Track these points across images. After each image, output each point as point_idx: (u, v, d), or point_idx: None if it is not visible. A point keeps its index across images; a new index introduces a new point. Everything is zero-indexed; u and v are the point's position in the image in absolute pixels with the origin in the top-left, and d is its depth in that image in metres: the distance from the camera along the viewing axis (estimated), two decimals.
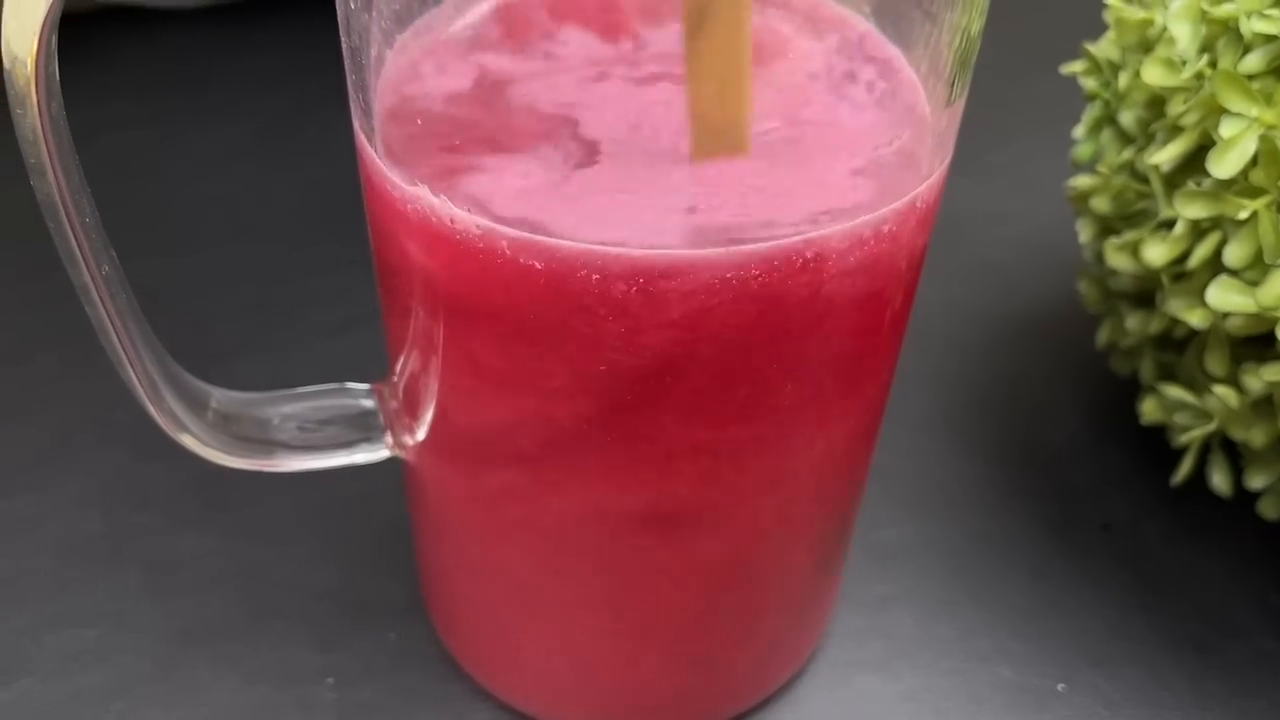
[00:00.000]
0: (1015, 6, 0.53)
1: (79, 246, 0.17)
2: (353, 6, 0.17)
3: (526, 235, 0.16)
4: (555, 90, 0.18)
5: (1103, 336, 0.32)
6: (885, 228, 0.18)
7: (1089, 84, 0.30)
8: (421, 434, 0.22)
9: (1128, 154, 0.28)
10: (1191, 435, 0.28)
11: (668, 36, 0.19)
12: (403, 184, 0.17)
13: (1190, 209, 0.25)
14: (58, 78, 0.16)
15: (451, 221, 0.17)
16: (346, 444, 0.23)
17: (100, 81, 0.46)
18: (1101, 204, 0.29)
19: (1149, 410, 0.29)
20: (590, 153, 0.17)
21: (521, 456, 0.20)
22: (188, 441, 0.20)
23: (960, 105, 0.20)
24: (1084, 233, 0.30)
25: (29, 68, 0.15)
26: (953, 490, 0.31)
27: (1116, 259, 0.28)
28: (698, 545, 0.22)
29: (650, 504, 0.21)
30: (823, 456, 0.22)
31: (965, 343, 0.36)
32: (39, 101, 0.16)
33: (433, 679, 0.26)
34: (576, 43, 0.19)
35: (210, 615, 0.27)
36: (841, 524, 0.25)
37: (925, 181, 0.19)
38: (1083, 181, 0.30)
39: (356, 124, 0.18)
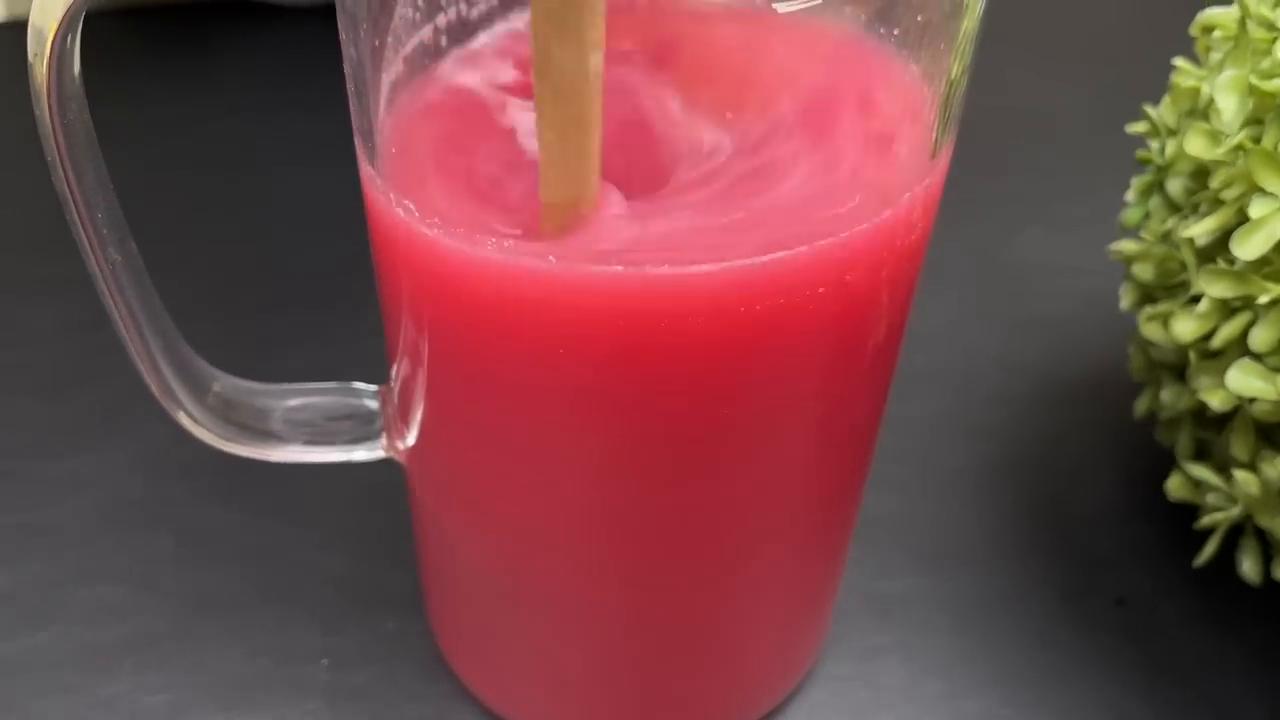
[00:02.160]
0: (1112, 55, 0.52)
1: (86, 238, 0.19)
2: (355, 31, 0.18)
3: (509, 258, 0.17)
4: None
5: (1141, 406, 0.31)
6: (856, 265, 0.18)
7: (1143, 148, 0.29)
8: (411, 439, 0.23)
9: (1171, 223, 0.27)
10: (1214, 518, 0.27)
11: (671, 65, 0.19)
12: (392, 200, 0.18)
13: (1215, 287, 0.24)
14: (77, 80, 0.18)
15: (430, 239, 0.18)
16: (347, 441, 0.24)
17: (212, 72, 0.49)
18: (1144, 271, 0.28)
19: (1175, 487, 0.28)
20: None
21: (503, 469, 0.21)
22: (184, 420, 0.22)
23: (945, 158, 0.20)
24: (1125, 299, 0.30)
25: (44, 67, 0.17)
26: (968, 544, 0.31)
27: (1149, 329, 0.27)
28: (672, 568, 0.22)
29: (623, 526, 0.21)
30: (795, 491, 0.22)
31: (1009, 395, 0.35)
32: (51, 103, 0.17)
33: (422, 673, 0.27)
34: None
35: (226, 587, 0.29)
36: (821, 562, 0.25)
37: (902, 221, 0.19)
38: (1127, 246, 0.29)
39: (357, 143, 0.19)
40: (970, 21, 0.18)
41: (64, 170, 0.18)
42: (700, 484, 0.21)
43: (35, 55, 0.17)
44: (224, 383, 0.22)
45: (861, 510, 0.31)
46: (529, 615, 0.24)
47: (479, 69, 0.19)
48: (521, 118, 0.19)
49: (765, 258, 0.17)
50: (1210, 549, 0.28)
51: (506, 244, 0.17)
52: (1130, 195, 0.30)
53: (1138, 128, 0.30)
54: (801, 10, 0.17)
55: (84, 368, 0.35)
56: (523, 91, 0.19)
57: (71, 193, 0.18)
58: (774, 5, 0.17)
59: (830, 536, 0.25)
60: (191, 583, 0.29)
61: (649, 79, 0.19)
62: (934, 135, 0.20)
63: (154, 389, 0.21)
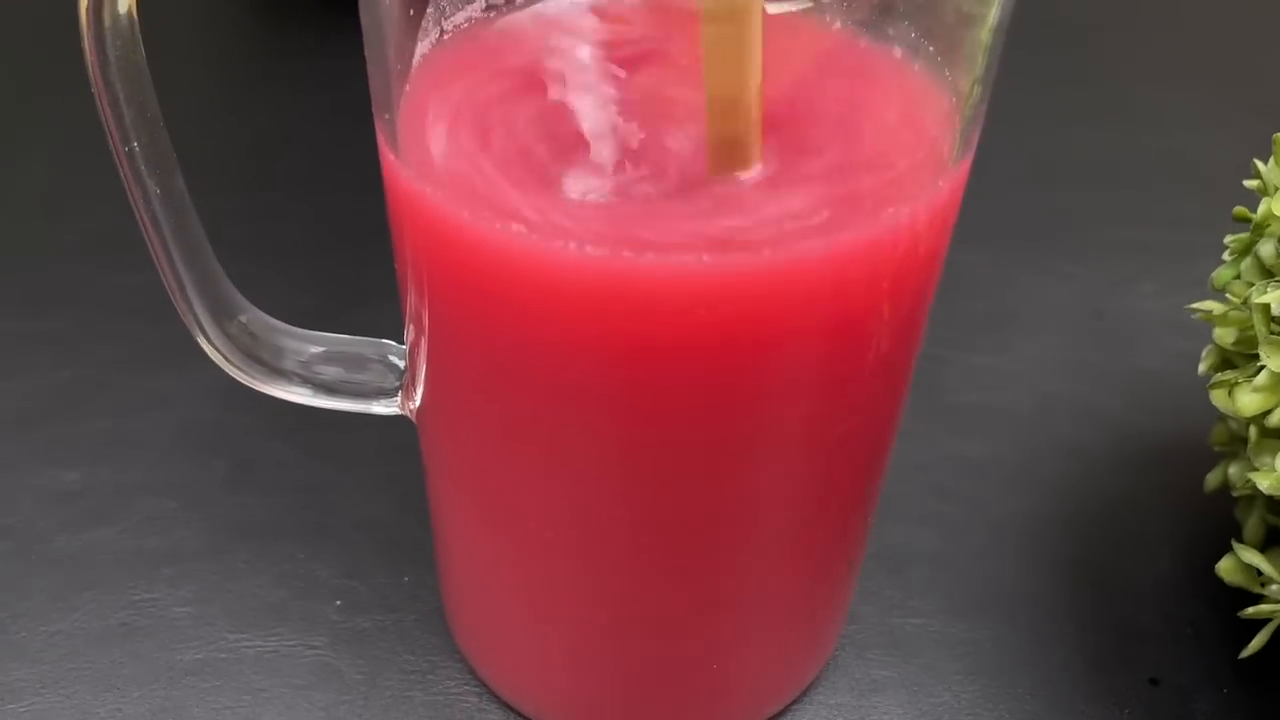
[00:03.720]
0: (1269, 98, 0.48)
1: (120, 164, 0.20)
2: (376, 13, 0.19)
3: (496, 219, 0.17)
4: (573, 102, 0.19)
5: (1213, 479, 0.29)
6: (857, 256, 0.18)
7: (1242, 207, 0.27)
8: (417, 400, 0.23)
9: (1258, 287, 0.25)
10: (1259, 610, 0.25)
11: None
12: (405, 168, 0.19)
13: (1276, 360, 0.22)
14: (123, 18, 0.19)
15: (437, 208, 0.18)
16: (369, 395, 0.25)
17: None
18: (1225, 336, 0.26)
19: (1226, 569, 0.26)
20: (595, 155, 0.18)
21: (498, 444, 0.22)
22: (201, 342, 0.23)
23: (959, 175, 0.19)
24: (1204, 362, 0.28)
25: (83, 2, 0.18)
26: (1000, 594, 0.30)
27: (1218, 397, 0.26)
28: (659, 563, 0.22)
29: (612, 512, 0.21)
30: (788, 495, 0.22)
31: (1078, 447, 0.33)
32: (89, 37, 0.18)
33: (425, 627, 0.28)
34: (603, 52, 0.20)
35: (265, 517, 0.31)
36: (819, 579, 0.24)
37: (904, 234, 0.18)
38: (1210, 306, 0.27)
39: (375, 109, 0.20)
40: (984, 33, 0.18)
41: (100, 101, 0.19)
42: (693, 478, 0.21)
43: None
44: (252, 316, 0.23)
45: (897, 544, 0.31)
46: (514, 589, 0.24)
47: (506, 40, 0.20)
48: (532, 95, 0.19)
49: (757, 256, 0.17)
50: (1259, 641, 0.26)
51: (516, 228, 0.17)
52: (1227, 254, 0.28)
53: (1251, 184, 0.28)
54: (801, 11, 0.17)
55: None
56: (544, 67, 0.20)
57: (107, 121, 0.20)
58: (766, 6, 0.16)
59: (827, 552, 0.24)
60: (236, 508, 0.31)
61: (672, 76, 0.19)
62: (949, 148, 0.19)
63: (178, 309, 0.22)
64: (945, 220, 0.20)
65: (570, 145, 0.18)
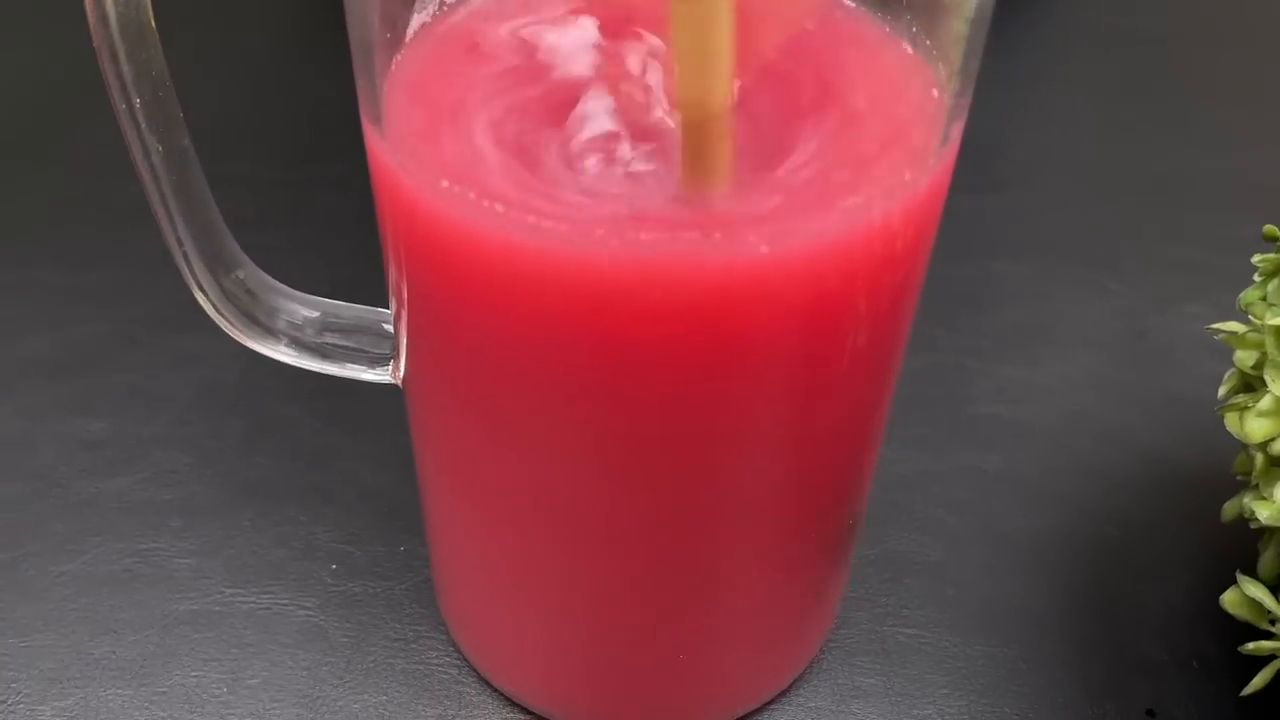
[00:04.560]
0: None
1: (121, 120, 0.21)
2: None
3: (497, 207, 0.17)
4: (555, 85, 0.19)
5: (1230, 509, 0.28)
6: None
7: (1272, 226, 0.26)
8: (402, 370, 0.24)
9: (1274, 309, 0.24)
10: (1259, 645, 0.24)
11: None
12: (387, 148, 0.19)
13: None
14: None
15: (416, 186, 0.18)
16: (360, 361, 0.25)
17: None
18: (1245, 359, 0.25)
19: (1230, 602, 0.25)
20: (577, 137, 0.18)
21: (467, 418, 0.22)
22: (196, 294, 0.23)
23: (947, 164, 0.19)
24: (1225, 384, 0.27)
25: None
26: (999, 611, 0.29)
27: (1230, 421, 0.25)
28: (632, 552, 0.22)
29: (583, 498, 0.22)
30: (763, 485, 0.21)
31: (1101, 467, 0.32)
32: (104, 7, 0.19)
33: (414, 598, 0.29)
34: (586, 36, 0.20)
35: (274, 478, 0.31)
36: (792, 575, 0.24)
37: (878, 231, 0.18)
38: (1233, 328, 0.26)
39: (361, 106, 0.20)
40: (962, 23, 0.17)
41: (101, 57, 0.20)
42: (660, 466, 0.21)
43: None
44: (250, 273, 0.24)
45: (898, 551, 0.30)
46: (488, 567, 0.24)
47: (488, 23, 0.20)
48: (514, 83, 0.19)
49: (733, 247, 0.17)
50: (1260, 680, 0.25)
51: (497, 206, 0.17)
52: (1256, 275, 0.27)
53: None
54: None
55: None
56: (533, 46, 0.20)
57: (106, 77, 0.20)
58: None
59: (804, 551, 0.24)
60: (246, 467, 0.32)
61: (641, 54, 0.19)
62: (927, 143, 0.19)
63: (175, 260, 0.23)
64: (925, 217, 0.19)
65: (549, 127, 0.18)
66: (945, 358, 0.36)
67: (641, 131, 0.18)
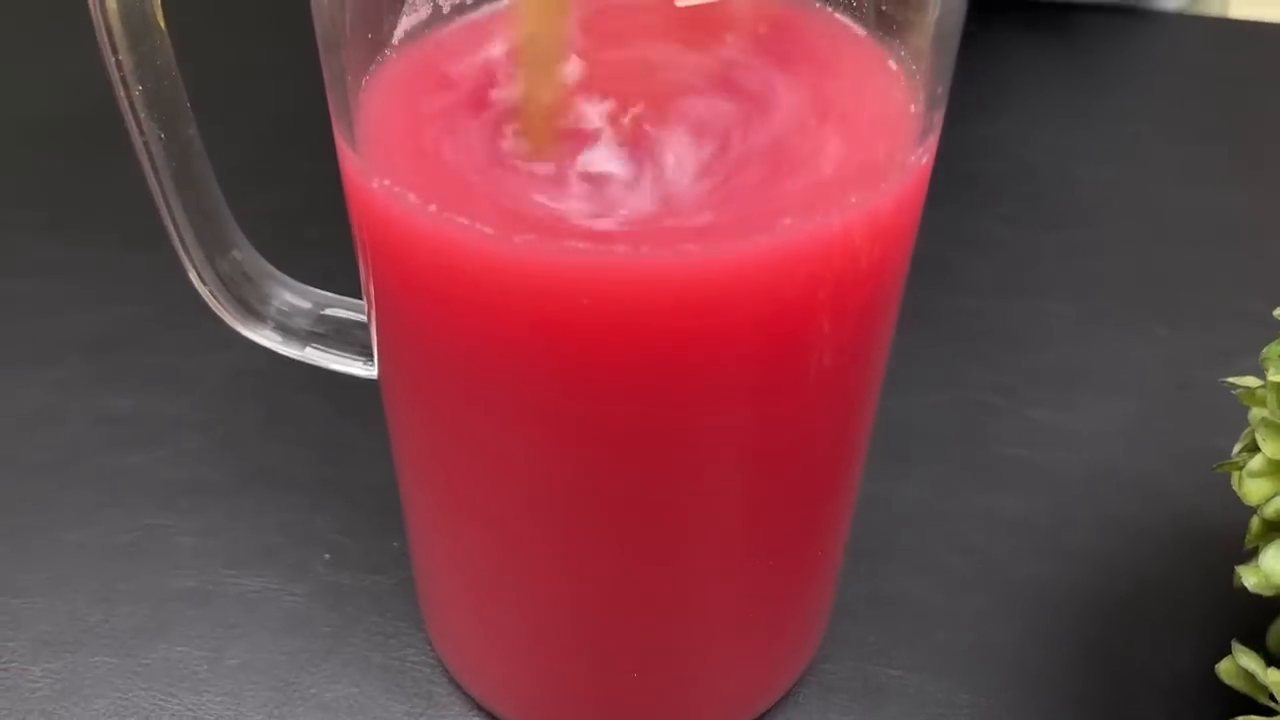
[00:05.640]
0: None
1: (122, 106, 0.21)
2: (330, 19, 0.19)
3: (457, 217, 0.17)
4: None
5: (1239, 575, 0.26)
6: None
7: None
8: (376, 369, 0.24)
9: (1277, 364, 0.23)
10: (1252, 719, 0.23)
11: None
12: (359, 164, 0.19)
13: (1272, 445, 0.20)
14: None
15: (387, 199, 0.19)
16: (349, 354, 0.25)
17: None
18: (1258, 416, 0.24)
19: (1226, 671, 0.24)
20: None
21: (429, 420, 0.22)
22: (190, 273, 0.24)
23: (919, 178, 0.18)
24: (1240, 442, 0.25)
25: None
26: (993, 659, 0.28)
27: (1234, 480, 0.23)
28: (606, 559, 0.22)
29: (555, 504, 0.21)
30: (736, 497, 0.21)
31: (1123, 519, 0.31)
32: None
33: (400, 594, 0.29)
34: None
35: (283, 465, 0.32)
36: (762, 601, 0.24)
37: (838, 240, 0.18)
38: (1249, 382, 0.25)
39: (336, 128, 0.20)
40: (922, 40, 0.17)
41: (102, 47, 0.20)
42: (620, 474, 0.20)
43: None
44: (246, 256, 0.25)
45: (894, 590, 0.29)
46: (452, 569, 0.24)
47: (457, 42, 0.20)
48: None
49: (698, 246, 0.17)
50: None
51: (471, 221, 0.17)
52: None
53: None
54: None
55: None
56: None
57: (107, 64, 0.21)
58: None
59: (771, 578, 0.23)
60: (259, 452, 0.32)
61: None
62: (894, 157, 0.18)
63: (171, 240, 0.24)
64: (893, 236, 0.19)
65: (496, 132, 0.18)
66: (973, 394, 0.35)
67: (604, 141, 0.18)
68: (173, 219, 0.23)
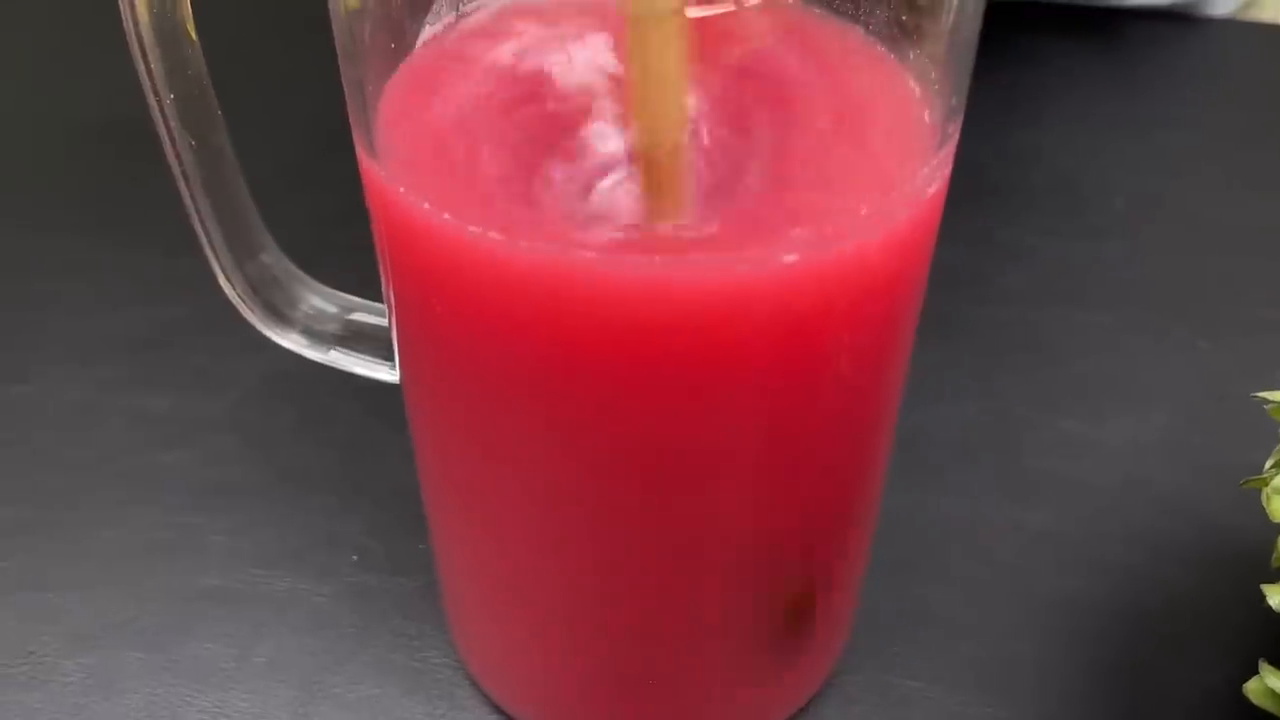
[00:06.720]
0: None
1: (153, 112, 0.22)
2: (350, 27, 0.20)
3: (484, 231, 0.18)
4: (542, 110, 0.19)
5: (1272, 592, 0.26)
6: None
7: None
8: (398, 374, 0.24)
9: None
10: None
11: None
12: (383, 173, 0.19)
13: None
14: None
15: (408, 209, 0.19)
16: (374, 358, 0.26)
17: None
18: None
19: (1254, 690, 0.24)
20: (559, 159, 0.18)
21: (448, 426, 0.22)
22: (218, 274, 0.25)
23: (935, 199, 0.18)
24: (1272, 458, 0.25)
25: None
26: (1013, 676, 0.27)
27: (1265, 495, 0.23)
28: (612, 568, 0.22)
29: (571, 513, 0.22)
30: (745, 515, 0.21)
31: (1153, 537, 0.30)
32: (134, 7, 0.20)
33: (424, 598, 0.29)
34: (577, 61, 0.20)
35: (314, 466, 0.32)
36: (776, 614, 0.24)
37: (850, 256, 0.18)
38: (1274, 396, 0.24)
39: (355, 136, 0.20)
40: (937, 49, 0.17)
41: (134, 54, 0.21)
42: (632, 483, 0.21)
43: None
44: (275, 260, 0.25)
45: (919, 602, 0.29)
46: (472, 572, 0.25)
47: (476, 49, 0.20)
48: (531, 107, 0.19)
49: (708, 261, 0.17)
50: None
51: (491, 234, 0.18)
52: None
53: None
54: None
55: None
56: (518, 72, 0.20)
57: (139, 73, 0.21)
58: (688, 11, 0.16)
59: (788, 589, 0.23)
60: (290, 454, 0.33)
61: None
62: (910, 176, 0.18)
63: (201, 244, 0.24)
64: (910, 250, 0.19)
65: (532, 146, 0.19)
66: (1005, 405, 0.34)
67: (620, 152, 0.18)
68: (202, 223, 0.24)
